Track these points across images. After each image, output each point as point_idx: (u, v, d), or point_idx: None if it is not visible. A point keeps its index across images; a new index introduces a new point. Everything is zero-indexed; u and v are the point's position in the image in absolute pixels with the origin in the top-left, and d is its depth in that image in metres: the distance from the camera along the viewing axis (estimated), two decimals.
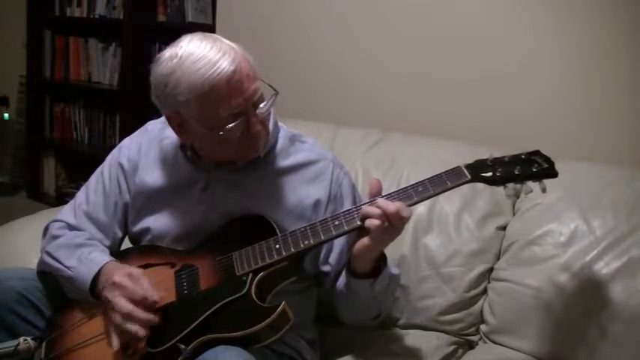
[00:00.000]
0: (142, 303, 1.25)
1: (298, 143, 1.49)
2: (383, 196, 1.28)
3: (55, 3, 3.67)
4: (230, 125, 1.28)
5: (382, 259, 1.34)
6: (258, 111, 1.31)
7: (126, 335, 1.25)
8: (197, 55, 1.25)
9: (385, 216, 1.23)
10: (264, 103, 1.32)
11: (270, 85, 1.35)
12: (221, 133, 1.28)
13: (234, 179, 1.42)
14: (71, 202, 1.53)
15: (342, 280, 1.40)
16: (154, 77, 1.31)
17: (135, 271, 1.31)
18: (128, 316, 1.24)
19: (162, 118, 1.40)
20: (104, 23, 3.48)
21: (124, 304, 1.25)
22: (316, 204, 1.42)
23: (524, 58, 1.93)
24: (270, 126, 1.43)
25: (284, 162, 1.44)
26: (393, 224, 1.24)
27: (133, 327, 1.24)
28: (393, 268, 1.42)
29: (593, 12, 1.79)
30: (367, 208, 1.26)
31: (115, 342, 1.26)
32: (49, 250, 1.41)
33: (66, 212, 1.50)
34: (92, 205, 1.48)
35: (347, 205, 1.41)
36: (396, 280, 1.42)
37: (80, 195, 1.52)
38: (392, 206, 1.23)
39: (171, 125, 1.37)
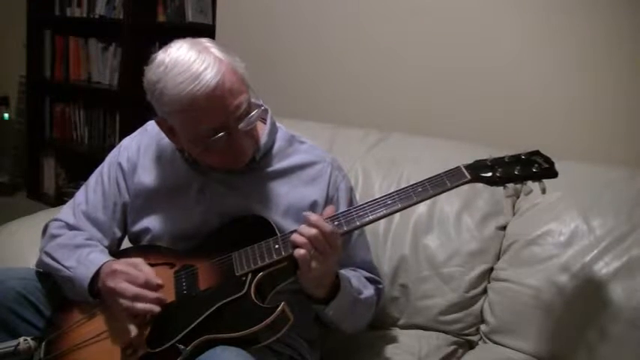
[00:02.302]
0: (145, 286, 1.26)
1: (297, 144, 1.48)
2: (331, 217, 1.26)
3: (55, 3, 3.67)
4: (211, 139, 1.27)
5: (338, 286, 1.31)
6: (240, 126, 1.28)
7: (137, 316, 1.24)
8: (181, 66, 1.23)
9: (310, 243, 1.21)
10: (250, 116, 1.29)
11: (256, 97, 1.33)
12: (203, 145, 1.29)
13: (231, 180, 1.41)
14: (70, 202, 1.53)
15: None
16: (145, 82, 1.31)
17: (134, 259, 1.31)
18: (136, 297, 1.24)
19: None
20: (104, 23, 3.48)
21: (129, 287, 1.25)
22: (313, 206, 1.41)
23: (524, 58, 1.92)
24: (267, 128, 1.43)
25: (281, 164, 1.44)
26: (319, 249, 1.21)
27: (145, 305, 1.24)
28: (367, 290, 1.41)
29: (592, 12, 1.79)
30: (293, 236, 1.24)
31: (132, 326, 1.24)
32: (48, 251, 1.41)
33: (65, 212, 1.50)
34: (91, 205, 1.48)
35: (342, 210, 1.40)
36: (364, 303, 1.40)
37: (79, 195, 1.52)
38: (312, 230, 1.21)
39: (162, 129, 1.37)
